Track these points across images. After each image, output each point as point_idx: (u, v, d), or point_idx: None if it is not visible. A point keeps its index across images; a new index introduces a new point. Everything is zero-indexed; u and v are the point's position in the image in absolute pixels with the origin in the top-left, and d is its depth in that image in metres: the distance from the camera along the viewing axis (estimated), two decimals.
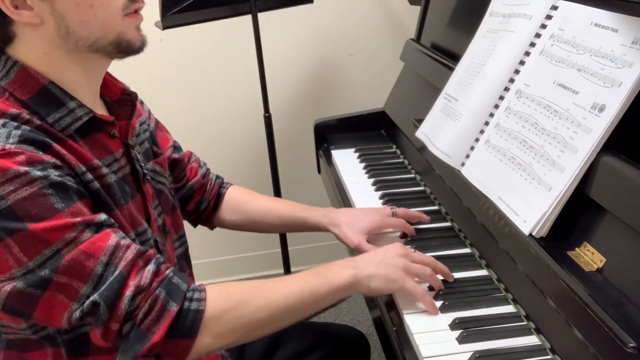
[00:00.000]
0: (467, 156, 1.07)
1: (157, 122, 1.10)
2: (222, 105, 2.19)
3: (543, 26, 0.98)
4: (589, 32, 0.86)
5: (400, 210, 1.13)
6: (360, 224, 1.08)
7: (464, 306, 0.90)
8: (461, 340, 0.83)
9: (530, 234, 0.85)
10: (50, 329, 0.81)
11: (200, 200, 1.16)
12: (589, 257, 0.78)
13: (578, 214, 0.82)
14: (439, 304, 0.90)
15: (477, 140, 1.06)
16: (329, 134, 1.65)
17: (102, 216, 0.79)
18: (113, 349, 0.79)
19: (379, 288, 0.90)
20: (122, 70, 1.03)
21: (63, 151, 0.78)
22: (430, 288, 0.95)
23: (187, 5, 1.63)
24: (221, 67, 2.14)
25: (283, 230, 1.47)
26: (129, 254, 0.78)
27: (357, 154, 1.55)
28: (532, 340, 0.82)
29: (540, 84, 0.93)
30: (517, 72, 1.01)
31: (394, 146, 1.57)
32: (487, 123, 1.05)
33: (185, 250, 1.07)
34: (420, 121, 1.27)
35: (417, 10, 1.67)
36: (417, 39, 1.62)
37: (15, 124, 0.76)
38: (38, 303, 0.75)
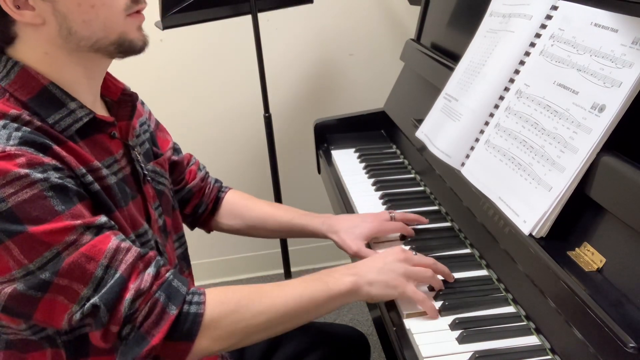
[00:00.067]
0: (467, 156, 1.07)
1: (157, 123, 1.09)
2: (222, 105, 2.19)
3: (543, 26, 0.98)
4: (589, 32, 0.86)
5: (399, 214, 1.13)
6: (359, 230, 1.08)
7: (464, 306, 0.90)
8: (461, 340, 0.83)
9: (530, 234, 0.85)
10: (49, 330, 0.81)
11: (198, 204, 1.16)
12: (589, 257, 0.78)
13: (578, 214, 0.82)
14: (439, 304, 0.91)
15: (477, 140, 1.06)
16: (329, 134, 1.65)
17: (103, 218, 0.79)
18: (112, 351, 0.79)
19: (380, 295, 0.90)
20: (122, 70, 1.03)
21: (63, 153, 0.78)
22: (431, 288, 0.95)
23: (187, 5, 1.63)
24: (221, 67, 2.14)
25: (281, 236, 1.47)
26: (129, 257, 0.78)
27: (357, 154, 1.55)
28: (532, 340, 0.82)
29: (540, 84, 0.93)
30: (517, 72, 1.01)
31: (394, 146, 1.57)
32: (487, 123, 1.05)
33: (184, 251, 1.07)
34: (420, 121, 1.27)
35: (417, 10, 1.67)
36: (417, 39, 1.62)
37: (16, 125, 0.75)
38: (38, 305, 0.75)
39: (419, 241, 1.10)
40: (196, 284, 1.06)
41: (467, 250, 1.07)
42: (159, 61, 2.07)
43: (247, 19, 1.76)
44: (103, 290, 0.75)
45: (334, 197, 1.43)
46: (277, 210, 1.19)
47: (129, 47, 0.84)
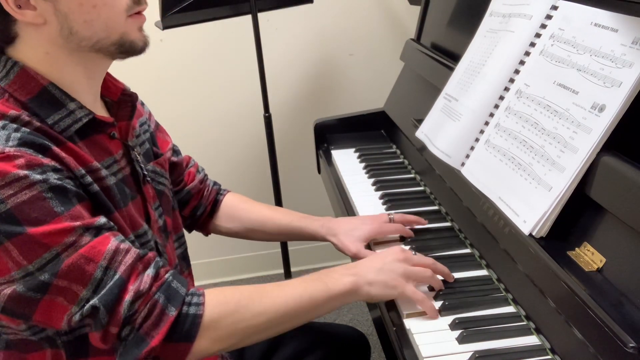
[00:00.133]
0: (467, 156, 1.07)
1: (157, 125, 1.09)
2: (222, 105, 2.19)
3: (543, 26, 0.98)
4: (589, 32, 0.86)
5: (398, 216, 1.13)
6: (358, 233, 1.09)
7: (464, 306, 0.90)
8: (461, 340, 0.83)
9: (530, 234, 0.85)
10: (49, 331, 0.81)
11: (196, 206, 1.15)
12: (589, 257, 0.78)
13: (578, 214, 0.82)
14: (438, 304, 0.91)
15: (477, 140, 1.06)
16: (329, 134, 1.65)
17: (102, 219, 0.79)
18: (112, 351, 0.79)
19: (379, 295, 0.90)
20: (122, 70, 1.03)
21: (62, 154, 0.77)
22: (431, 288, 0.95)
23: (187, 5, 1.63)
24: (221, 67, 2.14)
25: (280, 239, 1.46)
26: (129, 258, 0.78)
27: (357, 154, 1.55)
28: (532, 340, 0.82)
29: (540, 84, 0.93)
30: (517, 72, 1.01)
31: (394, 146, 1.57)
32: (487, 123, 1.05)
33: (184, 251, 1.07)
34: (420, 121, 1.27)
35: (417, 10, 1.67)
36: (417, 39, 1.62)
37: (15, 126, 0.75)
38: (38, 306, 0.75)
39: (419, 241, 1.10)
40: (196, 284, 1.06)
41: (467, 250, 1.07)
42: (159, 61, 2.07)
43: (247, 19, 1.76)
44: (102, 292, 0.75)
45: (334, 197, 1.43)
46: (275, 213, 1.19)
47: (129, 48, 0.84)
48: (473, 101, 1.09)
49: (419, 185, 1.35)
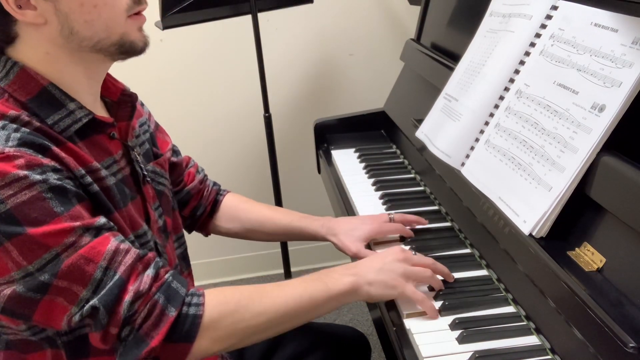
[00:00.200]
0: (467, 156, 1.07)
1: (157, 125, 1.09)
2: (222, 105, 2.19)
3: (543, 26, 0.98)
4: (589, 32, 0.86)
5: (398, 216, 1.14)
6: (358, 232, 1.09)
7: (464, 306, 0.90)
8: (461, 340, 0.83)
9: (530, 234, 0.85)
10: (49, 331, 0.81)
11: (196, 206, 1.15)
12: (589, 257, 0.78)
13: (578, 214, 0.82)
14: (438, 304, 0.91)
15: (477, 140, 1.06)
16: (329, 134, 1.65)
17: (102, 220, 0.78)
18: (112, 351, 0.79)
19: (379, 295, 0.90)
20: (122, 70, 1.03)
21: (62, 154, 0.77)
22: (431, 288, 0.95)
23: (187, 5, 1.63)
24: (221, 67, 2.14)
25: (280, 239, 1.46)
26: (128, 259, 0.78)
27: (357, 154, 1.55)
28: (532, 340, 0.82)
29: (540, 84, 0.93)
30: (517, 72, 1.01)
31: (394, 146, 1.57)
32: (487, 123, 1.05)
33: (184, 251, 1.07)
34: (420, 121, 1.27)
35: (417, 10, 1.67)
36: (417, 39, 1.62)
37: (15, 126, 0.75)
38: (37, 306, 0.75)
39: (419, 241, 1.10)
40: (196, 284, 1.06)
41: (467, 250, 1.07)
42: (159, 61, 2.07)
43: (247, 19, 1.76)
44: (102, 292, 0.75)
45: (334, 197, 1.43)
46: (275, 213, 1.18)
47: (129, 48, 0.84)
48: (473, 101, 1.09)
49: (419, 185, 1.35)
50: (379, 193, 1.31)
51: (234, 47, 2.10)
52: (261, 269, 2.44)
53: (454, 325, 0.86)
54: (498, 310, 0.89)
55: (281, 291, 0.86)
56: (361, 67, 2.21)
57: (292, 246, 2.09)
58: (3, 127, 0.75)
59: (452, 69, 1.22)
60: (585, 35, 0.87)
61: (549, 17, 0.97)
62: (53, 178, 0.74)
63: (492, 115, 1.04)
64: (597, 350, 0.68)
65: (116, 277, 0.76)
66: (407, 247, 1.08)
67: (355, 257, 1.06)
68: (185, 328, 0.78)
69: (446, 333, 0.85)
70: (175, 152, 1.13)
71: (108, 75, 0.93)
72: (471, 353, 0.80)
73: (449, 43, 1.43)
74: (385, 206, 1.26)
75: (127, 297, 0.76)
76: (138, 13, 0.84)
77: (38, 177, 0.73)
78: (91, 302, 0.75)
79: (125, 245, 0.79)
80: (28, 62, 0.81)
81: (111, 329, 0.76)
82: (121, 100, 0.94)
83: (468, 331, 0.84)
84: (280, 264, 2.03)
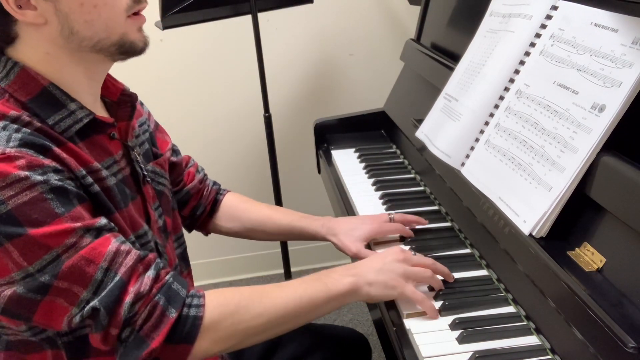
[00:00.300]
0: (467, 156, 1.07)
1: (157, 125, 1.09)
2: (222, 105, 2.19)
3: (543, 26, 0.98)
4: (589, 32, 0.86)
5: (398, 216, 1.14)
6: (358, 232, 1.09)
7: (464, 306, 0.90)
8: (461, 340, 0.83)
9: (530, 234, 0.85)
10: (50, 331, 0.81)
11: (196, 206, 1.15)
12: (589, 257, 0.78)
13: (578, 214, 0.82)
14: (438, 304, 0.91)
15: (477, 140, 1.06)
16: (329, 134, 1.65)
17: (102, 220, 0.78)
18: (113, 352, 0.79)
19: (379, 295, 0.90)
20: (122, 70, 1.03)
21: (63, 154, 0.77)
22: (431, 288, 0.95)
23: (187, 5, 1.63)
24: (221, 67, 2.14)
25: (280, 239, 1.46)
26: (129, 260, 0.78)
27: (357, 154, 1.55)
28: (532, 340, 0.82)
29: (540, 84, 0.93)
30: (517, 72, 1.01)
31: (394, 146, 1.57)
32: (487, 123, 1.05)
33: (183, 251, 1.07)
34: (420, 121, 1.27)
35: (417, 10, 1.67)
36: (417, 39, 1.62)
37: (16, 126, 0.75)
38: (38, 307, 0.75)
39: (419, 241, 1.10)
40: (196, 284, 1.06)
41: (467, 250, 1.07)
42: (159, 61, 2.07)
43: (247, 19, 1.76)
44: (103, 293, 0.75)
45: (334, 197, 1.43)
46: (275, 212, 1.18)
47: (129, 48, 0.84)
48: (473, 101, 1.09)
49: (419, 185, 1.35)
50: (379, 193, 1.31)
51: (234, 47, 2.10)
52: (261, 269, 2.44)
53: (454, 325, 0.86)
54: (498, 310, 0.89)
55: (281, 292, 0.86)
56: (361, 67, 2.22)
57: (292, 246, 2.09)
58: (4, 128, 0.75)
59: (452, 69, 1.22)
60: (585, 35, 0.87)
61: (549, 17, 0.97)
62: (54, 179, 0.74)
63: (492, 115, 1.04)
64: (597, 350, 0.68)
65: (117, 278, 0.76)
66: (407, 247, 1.08)
67: (355, 257, 1.06)
68: (186, 329, 0.78)
69: (446, 333, 0.85)
70: (174, 151, 1.13)
71: (108, 75, 0.93)
72: (471, 353, 0.80)
73: (449, 43, 1.43)
74: (385, 206, 1.26)
75: (128, 299, 0.76)
76: (138, 13, 0.85)
77: (39, 177, 0.73)
78: (92, 303, 0.75)
79: (125, 247, 0.78)
80: (28, 62, 0.81)
81: (112, 330, 0.76)
82: (121, 100, 0.94)
83: (468, 331, 0.84)
84: (280, 264, 2.03)
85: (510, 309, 0.89)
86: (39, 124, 0.78)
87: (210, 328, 0.80)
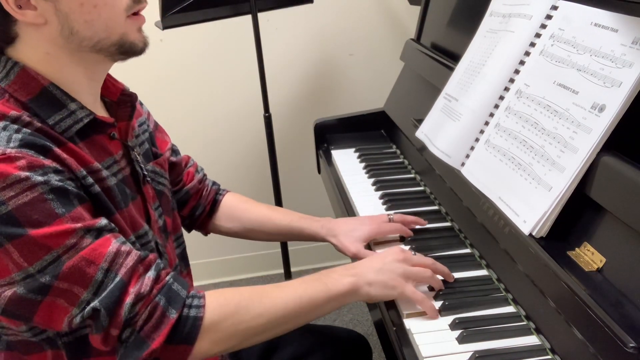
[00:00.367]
0: (467, 156, 1.07)
1: (156, 125, 1.09)
2: (222, 105, 2.19)
3: (543, 26, 0.98)
4: (589, 32, 0.86)
5: (397, 216, 1.14)
6: (357, 233, 1.09)
7: (464, 306, 0.90)
8: (461, 340, 0.83)
9: (530, 234, 0.85)
10: (50, 332, 0.81)
11: (195, 206, 1.15)
12: (589, 257, 0.78)
13: (578, 214, 0.82)
14: (438, 304, 0.91)
15: (477, 140, 1.06)
16: (329, 134, 1.65)
17: (103, 221, 0.78)
18: (113, 352, 0.79)
19: (379, 295, 0.90)
20: (122, 70, 1.03)
21: (64, 155, 0.77)
22: (431, 288, 0.95)
23: (187, 5, 1.63)
24: (221, 67, 2.14)
25: (280, 239, 1.46)
26: (130, 261, 0.78)
27: (357, 154, 1.55)
28: (532, 340, 0.82)
29: (540, 84, 0.93)
30: (517, 72, 1.01)
31: (394, 146, 1.57)
32: (487, 123, 1.05)
33: (182, 251, 1.07)
34: (420, 121, 1.27)
35: (417, 10, 1.67)
36: (417, 39, 1.62)
37: (16, 127, 0.75)
38: (38, 308, 0.75)
39: (419, 241, 1.10)
40: (195, 284, 1.06)
41: (467, 250, 1.07)
42: (159, 61, 2.07)
43: (247, 19, 1.76)
44: (103, 294, 0.75)
45: (334, 197, 1.43)
46: (275, 213, 1.18)
47: (129, 49, 0.84)
48: (473, 101, 1.09)
49: (419, 185, 1.35)
50: (379, 193, 1.31)
51: (234, 47, 2.10)
52: (261, 269, 2.44)
53: (454, 325, 0.86)
54: (498, 310, 0.89)
55: (281, 292, 0.86)
56: (361, 67, 2.21)
57: (292, 246, 2.09)
58: (4, 128, 0.75)
59: (452, 69, 1.22)
60: (585, 35, 0.87)
61: (549, 17, 0.97)
62: (54, 179, 0.74)
63: (492, 115, 1.04)
64: (597, 350, 0.68)
65: (117, 279, 0.76)
66: (407, 247, 1.08)
67: (354, 258, 1.06)
68: (186, 330, 0.78)
69: (446, 333, 0.85)
70: (174, 151, 1.13)
71: (108, 75, 0.93)
72: (471, 353, 0.80)
73: (449, 43, 1.43)
74: (385, 206, 1.26)
75: (128, 299, 0.76)
76: (137, 14, 0.85)
77: (39, 178, 0.73)
78: (92, 304, 0.75)
79: (126, 247, 0.78)
80: (28, 62, 0.81)
81: (112, 330, 0.76)
82: (121, 100, 0.94)
83: (468, 331, 0.84)
84: (280, 264, 2.03)
85: (510, 309, 0.89)
86: (39, 124, 0.78)
87: (210, 328, 0.80)
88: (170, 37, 1.90)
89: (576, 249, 0.80)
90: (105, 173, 0.84)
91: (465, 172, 1.05)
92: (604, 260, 0.76)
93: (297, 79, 2.21)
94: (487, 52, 1.11)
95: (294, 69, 2.19)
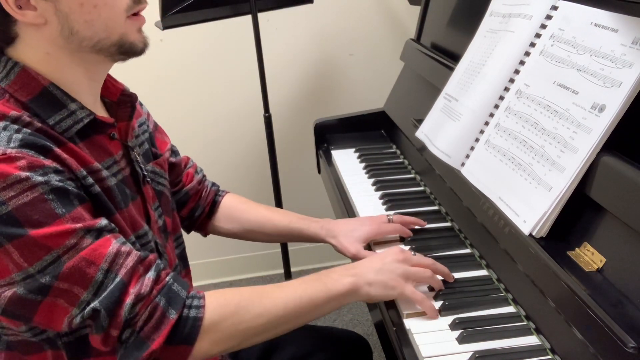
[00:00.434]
0: (467, 156, 1.07)
1: (156, 125, 1.09)
2: (222, 105, 2.19)
3: (543, 26, 0.98)
4: (589, 32, 0.86)
5: (396, 217, 1.14)
6: (357, 234, 1.09)
7: (464, 306, 0.90)
8: (461, 340, 0.83)
9: (530, 234, 0.85)
10: (50, 332, 0.81)
11: (194, 207, 1.15)
12: (589, 257, 0.78)
13: (578, 214, 0.82)
14: (438, 304, 0.91)
15: (477, 140, 1.06)
16: (329, 134, 1.65)
17: (103, 221, 0.78)
18: (113, 352, 0.79)
19: (379, 295, 0.90)
20: (122, 70, 1.03)
21: (64, 155, 0.77)
22: (431, 288, 0.95)
23: (187, 5, 1.63)
24: (221, 67, 2.14)
25: (279, 240, 1.46)
26: (130, 261, 0.78)
27: (357, 154, 1.55)
28: (532, 340, 0.82)
29: (540, 84, 0.93)
30: (517, 72, 1.01)
31: (394, 146, 1.57)
32: (487, 123, 1.05)
33: (182, 251, 1.07)
34: (420, 121, 1.27)
35: (417, 10, 1.67)
36: (417, 39, 1.62)
37: (16, 127, 0.75)
38: (38, 308, 0.75)
39: (419, 241, 1.10)
40: (195, 284, 1.06)
41: (467, 250, 1.07)
42: (159, 61, 2.07)
43: (247, 19, 1.76)
44: (103, 295, 0.75)
45: (334, 197, 1.43)
46: (275, 214, 1.18)
47: (129, 49, 0.84)
48: (473, 101, 1.09)
49: (419, 185, 1.35)
50: (379, 193, 1.31)
51: (234, 47, 2.10)
52: (261, 269, 2.44)
53: (454, 325, 0.86)
54: (498, 310, 0.89)
55: (281, 292, 0.86)
56: (361, 67, 2.22)
57: (292, 246, 2.09)
58: (5, 128, 0.75)
59: (452, 69, 1.22)
60: (585, 35, 0.87)
61: (549, 17, 0.97)
62: (55, 179, 0.74)
63: (492, 115, 1.04)
64: (597, 350, 0.68)
65: (117, 279, 0.76)
66: (407, 247, 1.08)
67: (354, 259, 1.06)
68: (186, 330, 0.78)
69: (446, 333, 0.85)
70: (174, 152, 1.13)
71: (108, 75, 0.93)
72: (471, 353, 0.80)
73: (449, 43, 1.43)
74: (385, 206, 1.26)
75: (128, 300, 0.76)
76: (137, 14, 0.85)
77: (40, 178, 0.73)
78: (92, 305, 0.75)
79: (126, 248, 0.78)
80: (28, 63, 0.81)
81: (112, 331, 0.76)
82: (121, 101, 0.94)
83: (468, 331, 0.84)
84: (280, 264, 2.03)
85: (510, 309, 0.89)
86: (39, 124, 0.78)
87: (210, 329, 0.80)
88: (170, 37, 1.90)
89: (576, 249, 0.80)
90: (105, 173, 0.84)
91: (465, 172, 1.05)
92: (604, 260, 0.76)
93: (297, 79, 2.21)
94: (487, 52, 1.11)
95: (294, 69, 2.19)
